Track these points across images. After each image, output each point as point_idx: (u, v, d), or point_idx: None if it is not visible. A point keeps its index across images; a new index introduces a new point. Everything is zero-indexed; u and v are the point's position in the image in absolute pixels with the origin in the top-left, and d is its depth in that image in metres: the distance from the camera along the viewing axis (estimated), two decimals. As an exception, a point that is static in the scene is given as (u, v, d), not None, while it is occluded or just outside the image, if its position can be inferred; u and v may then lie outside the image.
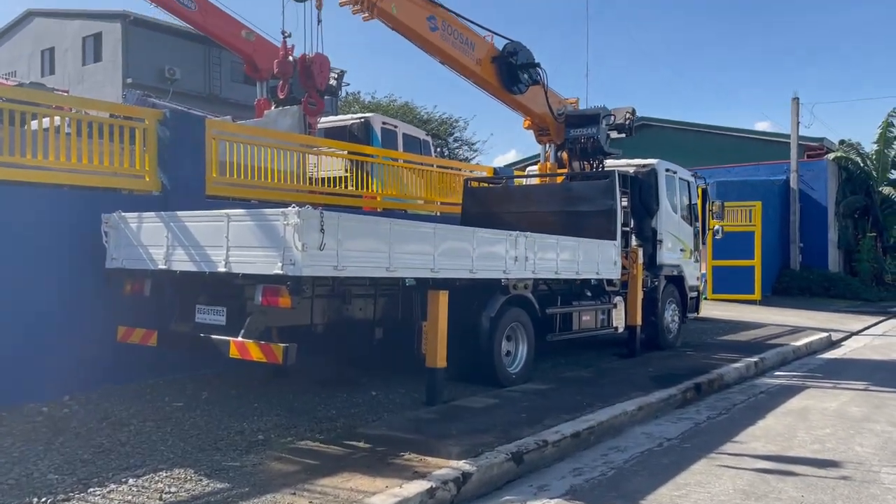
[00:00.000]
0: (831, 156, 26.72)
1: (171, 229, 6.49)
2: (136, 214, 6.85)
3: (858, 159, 27.12)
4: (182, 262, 6.41)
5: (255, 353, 5.90)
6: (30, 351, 6.87)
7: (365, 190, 11.17)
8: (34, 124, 7.31)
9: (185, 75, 29.05)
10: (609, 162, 12.10)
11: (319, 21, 8.97)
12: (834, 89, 75.25)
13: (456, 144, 39.74)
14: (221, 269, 6.10)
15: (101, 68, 29.80)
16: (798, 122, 25.10)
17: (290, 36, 10.57)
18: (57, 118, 7.59)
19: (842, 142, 28.04)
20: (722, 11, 79.03)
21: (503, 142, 66.47)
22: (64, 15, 31.87)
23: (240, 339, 6.02)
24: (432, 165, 13.24)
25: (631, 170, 11.44)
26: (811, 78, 75.18)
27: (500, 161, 52.45)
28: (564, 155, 12.14)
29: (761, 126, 57.53)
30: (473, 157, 39.58)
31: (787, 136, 25.56)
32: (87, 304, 7.25)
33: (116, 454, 5.34)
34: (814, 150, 27.15)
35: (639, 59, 79.58)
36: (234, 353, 6.04)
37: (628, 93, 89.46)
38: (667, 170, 11.84)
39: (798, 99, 25.18)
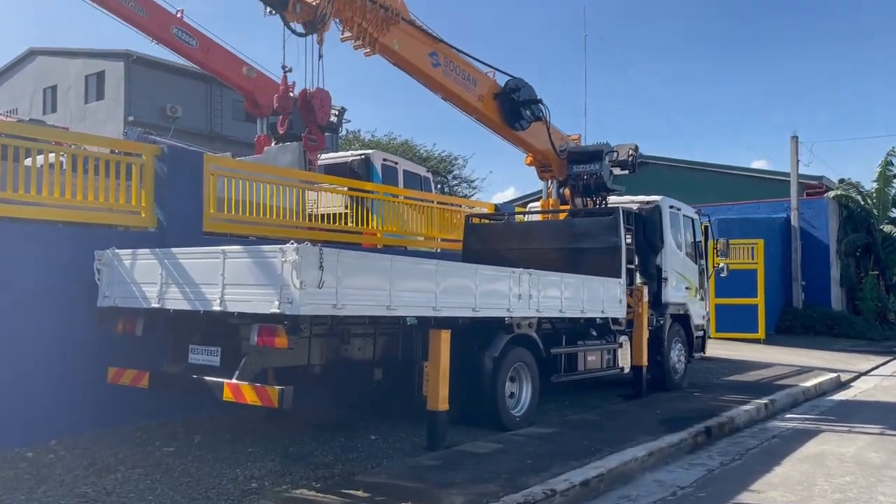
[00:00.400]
0: (831, 194, 26.68)
1: (165, 266, 6.30)
2: (129, 251, 6.66)
3: (859, 198, 27.08)
4: (176, 301, 6.21)
5: (250, 396, 5.66)
6: (16, 392, 6.61)
7: (365, 226, 11.01)
8: (29, 161, 7.16)
9: (187, 113, 29.15)
10: (612, 199, 11.98)
11: (321, 56, 8.91)
12: (831, 128, 75.89)
13: (455, 182, 39.84)
14: (216, 307, 5.90)
15: (104, 106, 29.92)
16: (798, 161, 25.11)
17: (290, 70, 10.54)
18: (52, 154, 7.45)
19: (841, 180, 28.02)
20: (716, 51, 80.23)
21: (502, 179, 66.90)
22: (67, 53, 32.10)
23: (234, 381, 5.77)
24: (432, 202, 13.11)
25: (634, 206, 11.31)
26: (808, 116, 75.93)
27: (499, 198, 52.50)
28: (567, 191, 12.03)
29: (757, 164, 57.85)
30: (472, 195, 39.66)
31: (786, 175, 25.54)
32: (78, 344, 7.01)
33: (101, 504, 5.05)
34: (813, 188, 27.12)
35: (635, 96, 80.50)
36: (227, 396, 5.79)
37: (624, 130, 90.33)
38: (671, 207, 11.71)
39: (797, 137, 25.21)
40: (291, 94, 11.34)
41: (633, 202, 11.72)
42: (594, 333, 9.64)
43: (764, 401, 10.20)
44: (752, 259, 21.28)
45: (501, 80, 10.96)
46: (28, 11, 55.45)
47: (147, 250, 6.59)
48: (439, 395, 6.82)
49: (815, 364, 15.50)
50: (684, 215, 12.19)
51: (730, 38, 78.75)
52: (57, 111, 31.49)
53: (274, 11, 8.36)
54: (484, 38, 75.65)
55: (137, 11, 12.43)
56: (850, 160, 68.05)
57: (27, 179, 6.99)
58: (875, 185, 27.72)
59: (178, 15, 13.22)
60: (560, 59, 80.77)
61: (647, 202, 11.62)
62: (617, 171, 12.00)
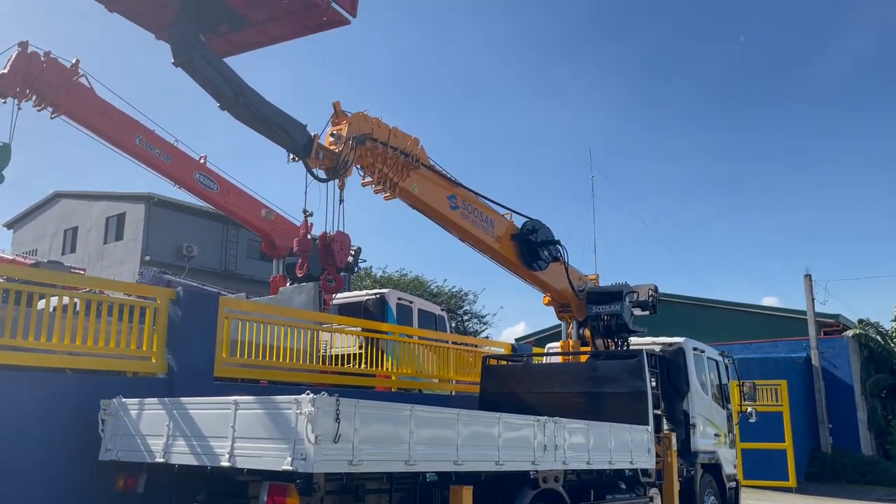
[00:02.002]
0: (850, 333, 26.22)
1: (173, 417, 5.97)
2: (137, 401, 6.36)
3: (878, 338, 26.59)
4: (182, 455, 5.82)
5: (255, 566, 5.14)
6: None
7: (378, 368, 10.69)
8: (41, 304, 7.05)
9: (203, 252, 29.61)
10: (631, 340, 11.68)
11: (342, 201, 9.00)
12: (844, 265, 75.89)
13: (466, 317, 39.64)
14: (225, 462, 5.51)
15: (122, 246, 30.46)
16: (813, 299, 24.90)
17: (311, 215, 10.62)
18: (66, 298, 7.34)
19: (860, 321, 27.63)
20: (725, 189, 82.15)
21: (512, 314, 66.73)
22: (90, 196, 33.11)
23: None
24: (447, 342, 12.82)
25: (656, 348, 10.99)
26: (819, 253, 76.22)
27: (510, 333, 52.19)
28: (587, 332, 11.76)
29: (768, 301, 57.51)
30: (483, 330, 39.33)
31: (800, 312, 25.28)
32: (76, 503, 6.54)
33: None
34: (830, 326, 26.73)
35: (642, 234, 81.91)
36: (230, 564, 5.27)
37: (634, 267, 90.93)
38: (694, 349, 11.38)
39: (810, 276, 25.18)
40: (310, 236, 11.40)
41: (654, 344, 11.41)
42: (623, 486, 9.01)
43: (812, 563, 9.34)
44: (777, 401, 20.55)
45: (518, 222, 11.02)
46: (55, 155, 58.24)
47: (155, 400, 6.28)
48: (462, 563, 6.21)
49: (856, 517, 14.47)
50: (708, 357, 11.84)
51: (733, 177, 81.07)
52: (76, 251, 32.06)
53: (297, 158, 8.53)
54: (497, 173, 78.24)
55: (162, 158, 12.83)
56: (864, 297, 67.50)
57: (38, 325, 6.83)
58: (894, 324, 27.31)
59: (201, 160, 13.62)
60: (572, 193, 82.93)
61: (670, 344, 11.31)
62: (637, 311, 11.79)
